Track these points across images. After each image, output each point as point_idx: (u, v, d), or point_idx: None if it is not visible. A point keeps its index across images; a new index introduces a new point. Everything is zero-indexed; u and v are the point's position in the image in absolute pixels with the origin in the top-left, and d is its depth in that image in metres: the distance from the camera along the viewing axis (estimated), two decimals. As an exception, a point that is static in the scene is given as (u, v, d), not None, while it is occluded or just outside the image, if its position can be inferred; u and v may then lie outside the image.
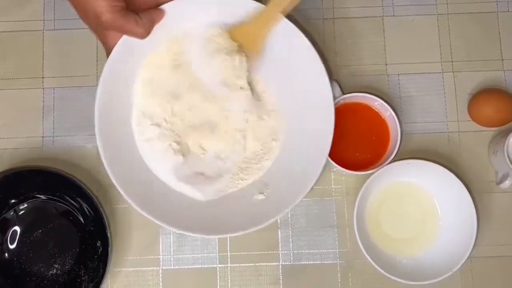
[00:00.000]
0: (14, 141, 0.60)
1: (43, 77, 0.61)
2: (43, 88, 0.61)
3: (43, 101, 0.60)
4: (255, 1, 0.53)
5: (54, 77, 0.61)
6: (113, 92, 0.52)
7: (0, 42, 0.61)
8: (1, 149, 0.60)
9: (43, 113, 0.60)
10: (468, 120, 0.60)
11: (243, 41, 0.53)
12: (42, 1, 0.62)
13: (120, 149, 0.53)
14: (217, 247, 0.58)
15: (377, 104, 0.56)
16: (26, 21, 0.62)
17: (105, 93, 0.51)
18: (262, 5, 0.53)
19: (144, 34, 0.50)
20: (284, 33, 0.53)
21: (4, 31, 0.61)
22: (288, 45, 0.54)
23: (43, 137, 0.60)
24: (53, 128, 0.60)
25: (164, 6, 0.52)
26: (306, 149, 0.53)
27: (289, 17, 0.53)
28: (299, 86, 0.55)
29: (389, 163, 0.55)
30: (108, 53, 0.52)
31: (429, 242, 0.57)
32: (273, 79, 0.56)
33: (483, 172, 0.59)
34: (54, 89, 0.61)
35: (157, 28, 0.52)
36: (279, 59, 0.55)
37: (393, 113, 0.55)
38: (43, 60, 0.61)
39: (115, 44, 0.51)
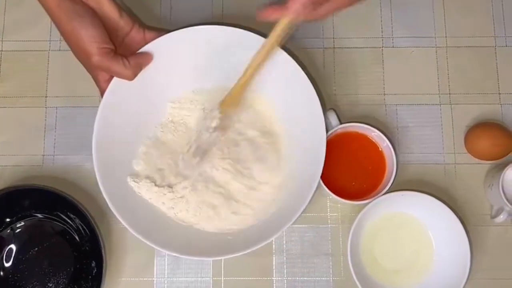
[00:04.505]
0: (15, 159, 0.60)
1: (46, 96, 0.62)
2: (45, 107, 0.62)
3: (46, 119, 0.61)
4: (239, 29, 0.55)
5: (57, 96, 0.62)
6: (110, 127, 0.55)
7: (7, 60, 0.62)
8: (2, 166, 0.60)
9: (45, 132, 0.61)
10: (465, 153, 0.60)
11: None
12: (49, 22, 0.63)
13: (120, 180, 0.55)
14: (211, 272, 0.58)
15: (374, 134, 0.57)
16: (33, 41, 0.63)
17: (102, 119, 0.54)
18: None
19: (131, 76, 0.53)
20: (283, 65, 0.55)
21: (11, 50, 0.63)
22: (286, 76, 0.55)
23: (43, 155, 0.61)
24: (54, 147, 0.61)
25: (150, 47, 0.54)
26: (300, 176, 0.54)
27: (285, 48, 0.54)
28: (296, 113, 0.56)
29: (385, 193, 0.55)
30: (100, 91, 0.54)
31: (423, 273, 0.57)
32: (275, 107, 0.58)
33: (478, 205, 0.59)
34: (56, 108, 0.62)
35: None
36: (279, 88, 0.56)
37: (389, 144, 0.56)
38: (47, 79, 0.62)
39: (105, 84, 0.53)
